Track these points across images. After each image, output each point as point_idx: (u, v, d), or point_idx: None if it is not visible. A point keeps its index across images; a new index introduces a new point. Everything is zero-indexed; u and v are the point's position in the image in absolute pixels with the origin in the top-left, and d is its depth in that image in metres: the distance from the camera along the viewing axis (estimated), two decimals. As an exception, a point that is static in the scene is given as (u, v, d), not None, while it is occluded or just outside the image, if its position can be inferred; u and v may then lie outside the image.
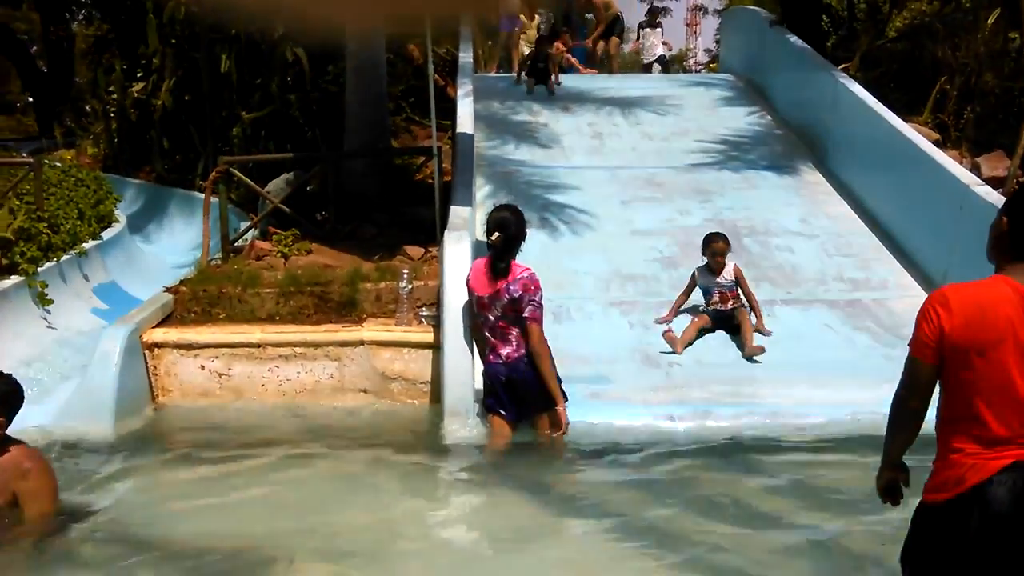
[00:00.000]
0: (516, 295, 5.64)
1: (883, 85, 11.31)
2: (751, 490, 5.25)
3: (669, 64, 17.43)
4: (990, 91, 10.46)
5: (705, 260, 7.55)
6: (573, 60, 14.14)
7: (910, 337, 3.07)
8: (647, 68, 16.90)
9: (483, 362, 5.87)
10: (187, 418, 6.51)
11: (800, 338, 7.43)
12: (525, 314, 5.65)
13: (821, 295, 8.11)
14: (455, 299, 6.20)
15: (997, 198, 7.62)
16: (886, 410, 3.26)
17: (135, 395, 6.41)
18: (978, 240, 8.30)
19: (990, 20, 11.40)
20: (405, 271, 6.88)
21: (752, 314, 7.38)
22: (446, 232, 6.64)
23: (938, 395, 3.11)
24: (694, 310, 7.65)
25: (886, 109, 9.72)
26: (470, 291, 5.84)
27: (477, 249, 7.40)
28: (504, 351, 5.68)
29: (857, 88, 10.30)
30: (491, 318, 5.69)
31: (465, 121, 9.53)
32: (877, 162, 9.56)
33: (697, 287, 7.59)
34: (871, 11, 13.28)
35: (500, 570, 4.37)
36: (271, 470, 5.66)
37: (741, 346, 7.15)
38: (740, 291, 7.46)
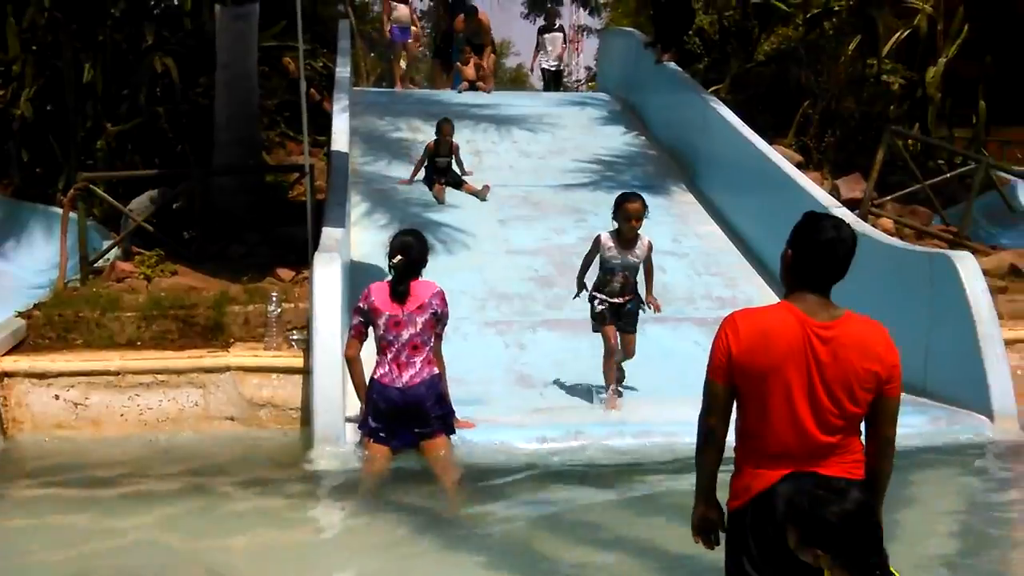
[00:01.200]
0: (438, 309, 5.56)
1: (752, 107, 11.71)
2: (620, 511, 5.34)
3: (560, 74, 17.12)
4: (850, 115, 10.95)
5: (615, 226, 6.72)
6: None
7: None
8: (555, 74, 16.52)
9: (370, 386, 5.62)
10: (40, 452, 6.20)
11: (670, 356, 7.59)
12: (438, 330, 5.59)
13: (690, 313, 8.31)
14: (325, 322, 6.09)
15: (853, 219, 7.96)
16: None
17: (-18, 428, 6.05)
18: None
19: (850, 47, 11.96)
20: (274, 294, 6.73)
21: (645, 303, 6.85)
22: (317, 253, 6.51)
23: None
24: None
25: (752, 132, 10.06)
26: (374, 311, 5.53)
27: (350, 271, 7.30)
28: (406, 375, 5.49)
29: (725, 111, 10.63)
30: (404, 337, 5.48)
31: (340, 138, 9.40)
32: (744, 183, 9.87)
33: (598, 258, 6.74)
34: (741, 35, 13.72)
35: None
36: (133, 507, 5.43)
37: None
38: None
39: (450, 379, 7.13)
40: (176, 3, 12.40)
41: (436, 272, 8.72)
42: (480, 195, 10.26)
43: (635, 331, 6.89)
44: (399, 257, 5.58)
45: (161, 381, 6.41)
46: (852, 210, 8.27)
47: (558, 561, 4.66)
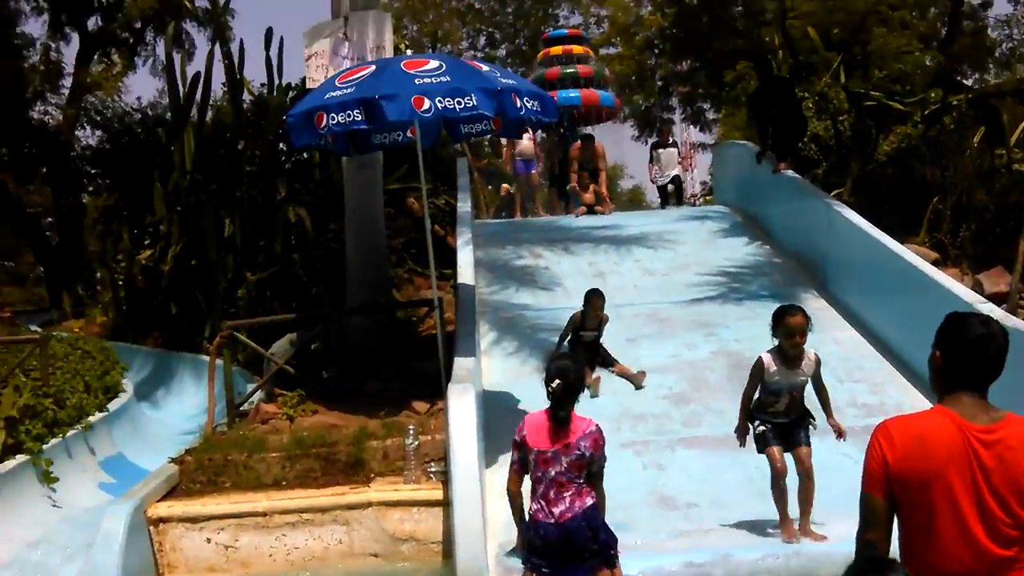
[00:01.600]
0: (587, 452, 5.23)
1: (876, 208, 11.45)
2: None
3: (679, 188, 16.74)
4: (983, 208, 10.58)
5: (776, 343, 6.10)
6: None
7: None
8: (662, 190, 16.27)
9: (528, 520, 5.38)
10: (194, 596, 6.33)
11: (819, 471, 7.24)
12: (593, 469, 5.27)
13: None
14: (462, 453, 6.11)
15: (1001, 315, 7.59)
16: None
17: (140, 574, 6.23)
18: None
19: (976, 139, 11.66)
20: (412, 427, 6.81)
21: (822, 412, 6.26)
22: (450, 384, 6.59)
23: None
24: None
25: (880, 232, 9.82)
26: (525, 446, 5.33)
27: (483, 400, 7.34)
28: (557, 510, 5.23)
29: (850, 213, 10.44)
30: (552, 473, 5.25)
31: (465, 270, 9.63)
32: (878, 285, 9.58)
33: (762, 384, 6.13)
34: (858, 137, 13.57)
35: None
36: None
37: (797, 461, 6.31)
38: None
39: (589, 505, 7.06)
40: (305, 156, 13.18)
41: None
42: (636, 381, 8.97)
43: (809, 444, 6.39)
44: (557, 382, 5.41)
45: (306, 520, 6.51)
46: (999, 305, 7.88)
47: None
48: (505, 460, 7.53)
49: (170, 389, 11.41)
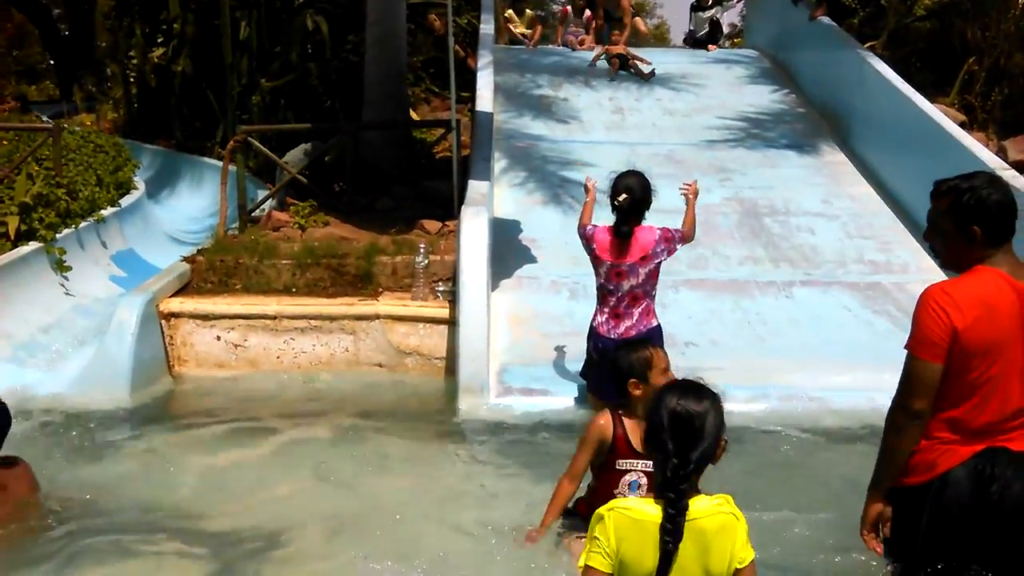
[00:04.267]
0: (664, 254, 5.46)
1: (910, 64, 11.14)
2: (763, 474, 5.22)
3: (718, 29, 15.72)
4: (1019, 72, 10.27)
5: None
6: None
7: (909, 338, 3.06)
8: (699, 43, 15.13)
9: (589, 334, 5.60)
10: (203, 389, 6.53)
11: (818, 320, 7.37)
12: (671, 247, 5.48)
13: (841, 277, 8.03)
14: (472, 274, 6.18)
15: (1023, 183, 7.51)
16: None
17: (151, 365, 6.43)
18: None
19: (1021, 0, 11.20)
20: (422, 245, 6.85)
21: None
22: (463, 207, 6.60)
23: None
24: None
25: (912, 89, 9.59)
26: (596, 258, 5.48)
27: (495, 224, 7.36)
28: (622, 326, 5.42)
29: (883, 67, 10.15)
30: (624, 287, 5.40)
31: (484, 94, 9.45)
32: (901, 143, 9.43)
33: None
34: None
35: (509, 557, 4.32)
36: (286, 443, 5.65)
37: None
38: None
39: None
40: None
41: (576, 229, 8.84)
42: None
43: None
44: (624, 196, 5.41)
45: (315, 326, 6.65)
46: (1021, 172, 7.78)
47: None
48: (510, 286, 7.66)
49: (179, 190, 11.43)
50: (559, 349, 6.94)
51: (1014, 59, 10.33)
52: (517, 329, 7.11)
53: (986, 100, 10.29)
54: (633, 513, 2.53)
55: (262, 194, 8.93)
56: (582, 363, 5.96)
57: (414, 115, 9.88)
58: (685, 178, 9.74)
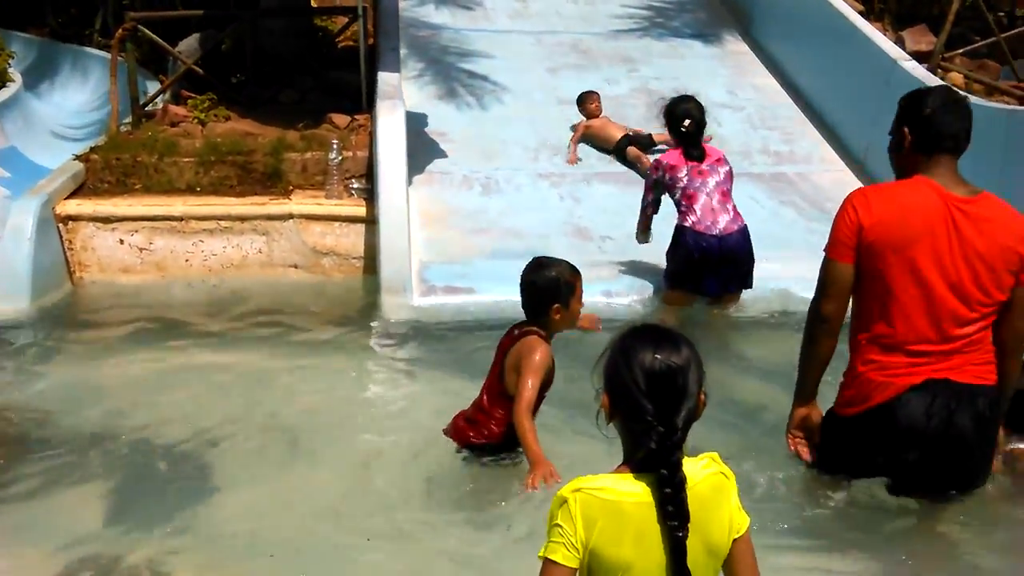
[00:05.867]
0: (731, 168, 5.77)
1: (809, -48, 11.12)
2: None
3: None
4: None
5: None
6: None
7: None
8: None
9: (680, 234, 5.66)
10: (108, 296, 6.27)
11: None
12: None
13: (747, 168, 8.13)
14: (390, 171, 6.03)
15: (924, 74, 7.71)
16: (812, 284, 3.23)
17: (51, 271, 6.11)
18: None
19: None
20: (335, 141, 6.62)
21: None
22: (378, 101, 6.38)
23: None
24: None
25: (812, -24, 9.61)
26: (671, 171, 5.66)
27: (410, 118, 7.13)
28: (722, 221, 5.57)
29: (785, -45, 10.13)
30: (711, 183, 5.59)
31: (388, -20, 9.05)
32: (803, 33, 9.52)
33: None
34: None
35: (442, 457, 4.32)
36: (203, 351, 5.52)
37: None
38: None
39: (506, 231, 7.13)
40: None
41: (487, 122, 8.72)
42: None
43: None
44: (688, 121, 5.61)
45: (224, 227, 6.40)
46: (921, 63, 7.97)
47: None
48: (422, 181, 7.50)
49: (59, 82, 10.63)
50: (476, 246, 6.90)
51: (910, -51, 10.44)
52: (432, 226, 7.01)
53: (884, -10, 10.42)
54: (606, 493, 2.04)
55: (153, 87, 8.40)
56: (498, 259, 5.95)
57: (314, 2, 9.38)
58: (592, 68, 9.81)
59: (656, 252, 6.79)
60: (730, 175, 5.70)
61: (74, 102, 10.40)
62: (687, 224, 5.60)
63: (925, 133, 3.05)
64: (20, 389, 4.94)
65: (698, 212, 5.56)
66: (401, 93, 7.24)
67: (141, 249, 6.39)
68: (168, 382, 5.07)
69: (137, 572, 3.41)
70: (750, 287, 5.80)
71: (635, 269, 6.49)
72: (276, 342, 5.64)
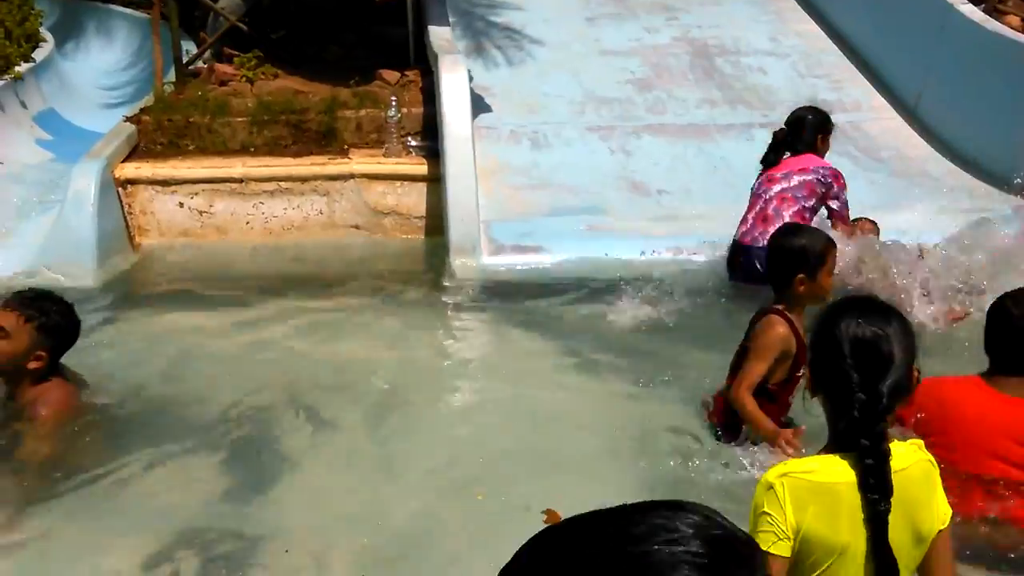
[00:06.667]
0: (827, 179, 5.15)
1: None
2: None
3: None
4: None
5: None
6: None
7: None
8: None
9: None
10: (171, 260, 6.19)
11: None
12: (832, 205, 5.13)
13: (798, 118, 8.04)
14: (456, 128, 5.93)
15: (982, 17, 7.55)
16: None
17: (113, 236, 6.02)
18: (957, 62, 8.26)
19: None
20: (393, 98, 6.49)
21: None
22: (440, 56, 6.24)
23: None
24: None
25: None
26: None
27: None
28: (771, 230, 4.75)
29: None
30: (773, 190, 5.21)
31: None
32: (846, -23, 9.32)
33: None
34: None
35: (513, 414, 4.28)
36: (270, 314, 5.43)
37: None
38: None
39: (561, 187, 7.05)
40: None
41: (528, 75, 8.58)
42: None
43: None
44: (780, 128, 5.34)
45: (285, 188, 6.30)
46: (977, 5, 7.80)
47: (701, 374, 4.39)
48: (482, 135, 7.35)
49: (85, 42, 10.47)
50: (534, 202, 6.82)
51: None
52: (486, 183, 6.91)
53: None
54: (816, 475, 1.95)
55: (187, 46, 8.23)
56: (558, 216, 5.87)
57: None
58: (628, 16, 9.64)
59: (720, 204, 6.75)
60: (810, 184, 5.12)
61: (102, 61, 10.24)
62: (736, 235, 5.37)
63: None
64: (92, 356, 4.86)
65: (749, 222, 5.29)
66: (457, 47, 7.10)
67: (201, 212, 6.30)
68: (245, 351, 4.98)
69: (248, 544, 3.36)
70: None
71: (701, 222, 6.39)
72: (345, 307, 5.55)
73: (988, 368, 3.04)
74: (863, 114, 8.17)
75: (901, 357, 1.99)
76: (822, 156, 5.31)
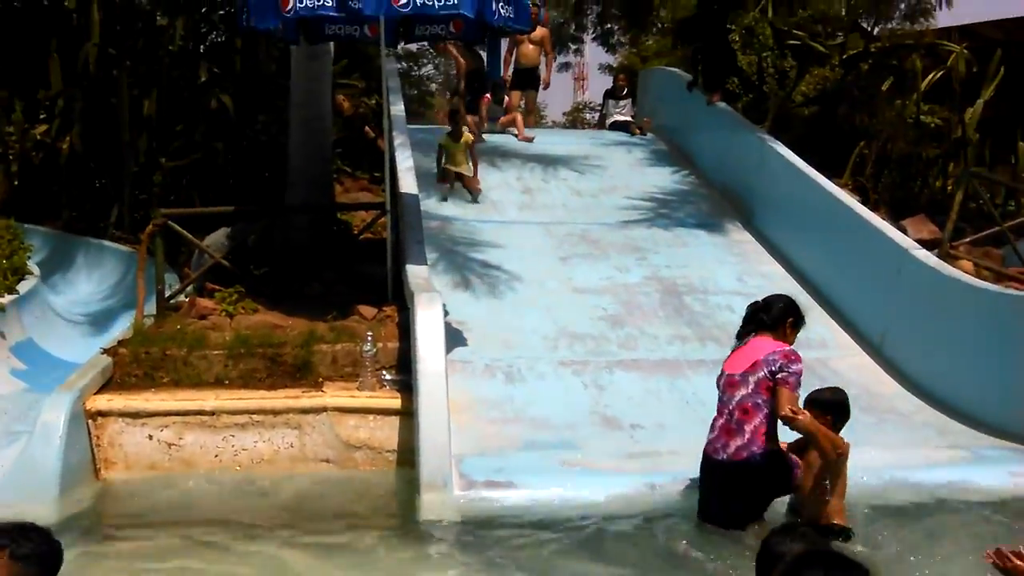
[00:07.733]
0: (778, 364, 5.05)
1: (795, 148, 11.66)
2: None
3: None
4: (906, 156, 10.96)
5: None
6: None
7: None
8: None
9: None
10: (135, 494, 6.05)
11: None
12: (779, 376, 5.04)
13: (767, 355, 8.21)
14: (430, 363, 6.00)
15: (936, 262, 7.93)
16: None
17: (78, 469, 5.93)
18: (917, 303, 8.54)
19: (884, 87, 11.97)
20: (370, 333, 6.62)
21: None
22: (417, 294, 6.42)
23: None
24: None
25: (814, 171, 10.05)
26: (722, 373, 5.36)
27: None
28: (733, 444, 5.12)
29: (784, 149, 10.64)
30: (736, 397, 5.14)
31: (408, 177, 9.34)
32: (807, 223, 9.84)
33: None
34: (779, 76, 13.77)
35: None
36: (235, 555, 5.25)
37: None
38: None
39: (534, 421, 7.07)
40: (222, 40, 12.39)
41: (503, 311, 8.80)
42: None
43: None
44: (756, 301, 5.50)
45: (256, 421, 6.29)
46: (931, 251, 8.22)
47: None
48: (457, 369, 7.42)
49: (71, 275, 10.71)
50: (507, 436, 6.81)
51: (898, 143, 11.01)
52: (459, 417, 6.92)
53: (877, 182, 10.90)
54: None
55: (171, 280, 8.47)
56: (532, 450, 5.86)
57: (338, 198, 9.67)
58: (600, 256, 10.03)
59: (692, 439, 6.76)
60: (764, 383, 5.08)
61: (90, 294, 10.43)
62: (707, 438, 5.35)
63: None
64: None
65: (715, 430, 5.27)
66: (433, 286, 7.33)
67: (170, 444, 6.24)
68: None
69: None
70: (755, 520, 5.22)
71: (674, 458, 6.38)
72: (313, 547, 5.36)
73: None
74: (830, 351, 8.37)
75: None
76: (788, 342, 5.30)
